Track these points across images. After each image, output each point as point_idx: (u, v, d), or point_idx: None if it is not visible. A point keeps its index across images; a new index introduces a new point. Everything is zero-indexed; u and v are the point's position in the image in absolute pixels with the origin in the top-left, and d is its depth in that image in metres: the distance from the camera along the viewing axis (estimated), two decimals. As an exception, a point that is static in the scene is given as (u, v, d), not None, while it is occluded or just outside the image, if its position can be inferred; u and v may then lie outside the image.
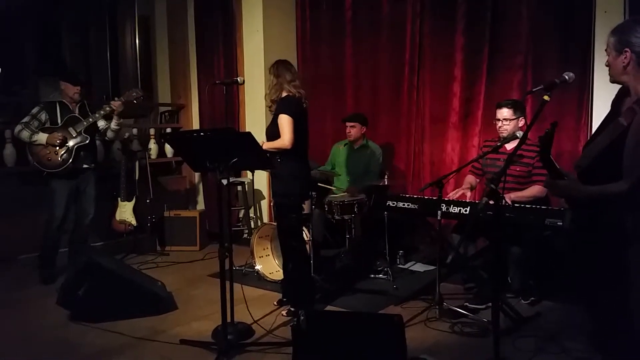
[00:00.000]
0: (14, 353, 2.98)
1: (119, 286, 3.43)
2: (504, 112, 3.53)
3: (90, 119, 4.28)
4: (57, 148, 4.18)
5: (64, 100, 4.33)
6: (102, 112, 4.31)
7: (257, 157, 2.97)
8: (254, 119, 5.55)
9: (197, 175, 6.31)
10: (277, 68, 3.39)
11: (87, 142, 4.28)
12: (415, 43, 4.78)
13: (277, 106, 3.32)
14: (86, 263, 3.48)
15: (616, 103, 2.33)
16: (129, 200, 5.07)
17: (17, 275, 4.46)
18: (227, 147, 2.82)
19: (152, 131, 6.02)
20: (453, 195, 3.61)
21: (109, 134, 4.49)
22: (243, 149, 2.84)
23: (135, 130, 5.84)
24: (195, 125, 6.27)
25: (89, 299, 3.35)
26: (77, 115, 4.31)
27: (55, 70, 5.09)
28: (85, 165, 4.34)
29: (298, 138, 3.26)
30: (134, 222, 5.05)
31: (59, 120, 4.26)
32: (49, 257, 4.34)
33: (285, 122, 3.23)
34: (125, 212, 5.05)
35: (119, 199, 5.06)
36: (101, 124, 4.41)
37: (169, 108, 6.62)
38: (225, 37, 5.85)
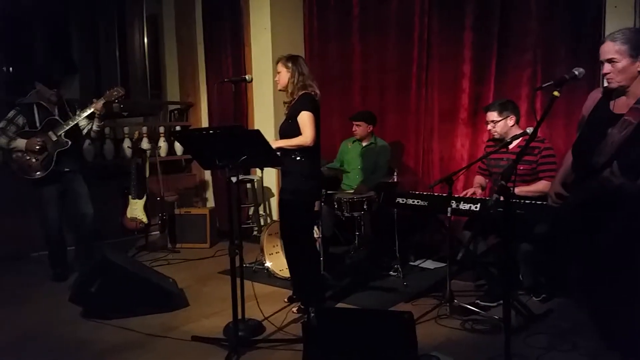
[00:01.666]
0: (26, 349, 3.02)
1: (130, 283, 3.45)
2: (490, 115, 3.58)
3: (71, 122, 4.06)
4: (37, 154, 3.99)
5: (41, 102, 4.10)
6: (83, 113, 4.10)
7: (266, 155, 2.97)
8: (263, 117, 5.56)
9: (206, 172, 6.34)
10: (301, 65, 3.35)
11: (68, 146, 4.08)
12: (424, 39, 4.76)
13: (298, 103, 3.29)
14: (98, 260, 3.51)
15: (601, 106, 2.43)
16: (140, 198, 5.09)
17: (30, 272, 4.51)
18: (236, 144, 2.82)
19: (161, 129, 6.06)
20: (463, 194, 3.60)
21: (92, 134, 4.32)
22: (252, 146, 2.84)
23: (145, 129, 5.87)
24: (205, 123, 6.30)
25: (101, 296, 3.38)
26: (56, 117, 4.10)
27: (67, 71, 5.06)
28: (67, 169, 4.14)
29: (316, 136, 3.27)
30: (144, 219, 5.08)
31: (38, 124, 4.06)
32: (58, 257, 4.33)
33: (308, 119, 3.22)
34: (136, 209, 5.08)
35: (130, 196, 5.09)
36: (83, 123, 4.21)
37: (178, 106, 6.66)
38: (233, 35, 5.86)
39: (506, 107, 3.57)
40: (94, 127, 4.24)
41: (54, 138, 4.05)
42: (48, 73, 4.31)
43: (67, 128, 4.08)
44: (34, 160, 4.02)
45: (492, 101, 3.73)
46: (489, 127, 3.61)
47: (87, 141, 5.00)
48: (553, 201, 2.66)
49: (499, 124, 3.54)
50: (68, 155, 4.14)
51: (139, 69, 7.07)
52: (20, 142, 4.00)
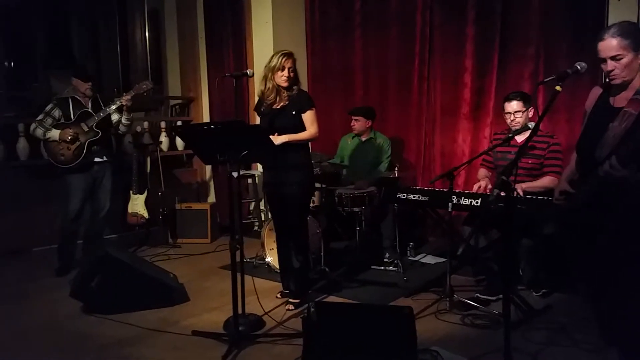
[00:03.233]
0: (27, 344, 3.03)
1: (131, 278, 3.46)
2: (514, 105, 3.49)
3: (101, 114, 4.29)
4: (69, 144, 4.21)
5: (76, 96, 4.34)
6: (112, 106, 4.32)
7: (267, 150, 2.98)
8: (264, 112, 5.54)
9: (208, 168, 6.33)
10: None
11: (99, 136, 4.29)
12: (425, 34, 4.75)
13: (302, 98, 3.36)
14: (99, 255, 3.51)
15: (602, 101, 2.40)
16: (141, 193, 5.10)
17: (31, 267, 4.52)
18: (238, 139, 2.82)
19: (163, 124, 6.05)
20: (477, 189, 3.56)
21: (121, 128, 4.49)
22: (253, 141, 2.85)
23: (146, 124, 5.87)
24: (206, 118, 6.30)
25: (102, 290, 3.39)
26: (89, 110, 4.32)
27: (66, 64, 5.09)
28: (97, 159, 4.35)
29: None
30: (145, 214, 5.09)
31: (72, 116, 4.28)
32: (67, 249, 4.39)
33: (314, 115, 3.37)
34: (137, 204, 5.09)
35: (131, 191, 5.10)
36: (115, 117, 4.43)
37: (180, 101, 6.65)
38: (234, 29, 5.85)
39: (528, 98, 3.52)
40: (123, 121, 4.42)
41: (86, 129, 4.27)
42: (83, 68, 4.58)
43: (98, 120, 4.29)
44: (67, 149, 4.22)
45: (512, 92, 3.66)
46: (511, 118, 3.51)
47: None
48: (557, 199, 2.65)
49: (524, 114, 3.48)
50: (99, 146, 4.35)
51: (140, 64, 7.05)
52: (55, 133, 4.22)
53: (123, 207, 5.11)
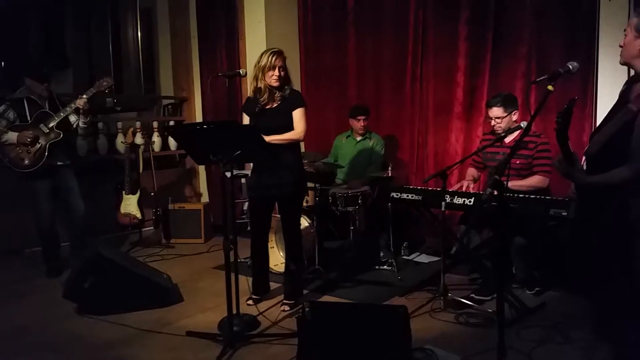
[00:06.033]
0: (20, 345, 3.00)
1: (125, 279, 3.45)
2: (495, 111, 3.52)
3: (62, 114, 4.08)
4: (29, 147, 4.02)
5: (31, 96, 4.12)
6: (72, 105, 4.09)
7: (260, 150, 2.97)
8: (257, 111, 5.53)
9: (201, 168, 6.32)
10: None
11: (60, 138, 4.10)
12: (419, 33, 4.75)
13: (294, 97, 3.32)
14: (92, 256, 3.50)
15: (625, 92, 2.32)
16: (134, 194, 5.08)
17: (24, 268, 4.50)
18: (231, 139, 2.82)
19: (155, 124, 6.03)
20: (456, 187, 3.59)
21: (80, 131, 4.30)
22: (246, 141, 2.85)
23: (138, 124, 5.84)
24: (199, 117, 6.28)
25: (95, 291, 3.38)
26: (47, 110, 4.11)
27: (61, 64, 5.00)
28: (59, 163, 4.17)
29: None
30: (138, 215, 5.07)
31: (29, 117, 4.07)
32: (50, 253, 4.32)
33: (304, 115, 3.30)
34: (130, 205, 5.07)
35: (124, 192, 5.07)
36: (73, 119, 4.19)
37: (172, 101, 6.62)
38: (227, 29, 5.83)
39: (510, 101, 3.53)
40: (80, 124, 4.22)
41: (46, 130, 4.07)
42: (38, 68, 4.29)
43: (58, 120, 4.09)
44: (26, 153, 4.03)
45: (493, 95, 3.67)
46: (493, 123, 3.55)
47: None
48: (569, 196, 2.63)
49: (505, 119, 3.50)
50: (60, 149, 4.17)
51: (133, 63, 7.00)
52: (12, 135, 4.02)
53: (115, 208, 5.09)
